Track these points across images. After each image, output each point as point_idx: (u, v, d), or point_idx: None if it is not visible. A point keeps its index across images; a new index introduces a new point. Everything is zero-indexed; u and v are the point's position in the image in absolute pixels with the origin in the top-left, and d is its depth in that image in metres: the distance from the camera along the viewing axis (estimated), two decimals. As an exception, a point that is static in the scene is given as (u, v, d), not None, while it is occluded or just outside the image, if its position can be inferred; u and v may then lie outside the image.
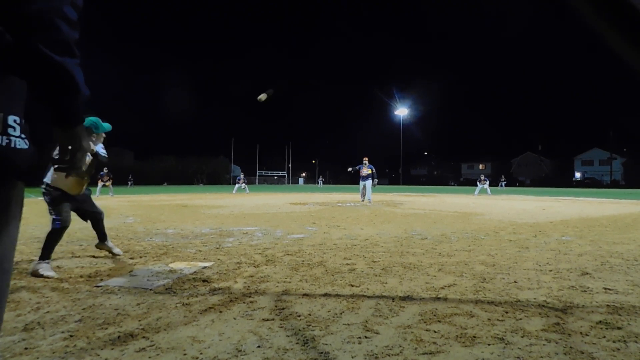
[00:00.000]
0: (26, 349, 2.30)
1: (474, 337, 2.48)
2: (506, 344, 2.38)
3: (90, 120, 4.51)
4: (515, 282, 3.81)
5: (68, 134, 1.10)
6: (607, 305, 3.13)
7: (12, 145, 0.94)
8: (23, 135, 0.99)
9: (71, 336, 2.47)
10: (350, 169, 17.34)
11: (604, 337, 2.50)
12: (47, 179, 4.21)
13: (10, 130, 0.94)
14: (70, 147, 1.13)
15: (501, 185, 50.57)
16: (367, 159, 17.21)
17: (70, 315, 2.85)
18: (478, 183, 29.04)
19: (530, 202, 18.35)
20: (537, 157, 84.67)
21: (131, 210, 11.90)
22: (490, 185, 29.20)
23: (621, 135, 74.78)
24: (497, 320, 2.78)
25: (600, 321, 2.77)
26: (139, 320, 2.74)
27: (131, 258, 4.83)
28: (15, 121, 0.95)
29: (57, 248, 5.46)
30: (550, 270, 4.27)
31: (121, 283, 3.70)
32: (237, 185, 30.19)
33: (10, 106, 0.94)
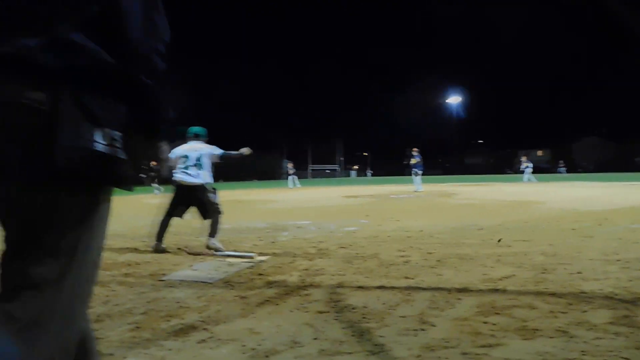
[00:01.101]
0: (97, 338, 2.44)
1: (535, 329, 2.40)
2: (570, 337, 2.29)
3: (199, 129, 5.58)
4: (579, 272, 3.65)
5: (155, 147, 1.30)
6: (682, 296, 2.94)
7: (119, 155, 1.09)
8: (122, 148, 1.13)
9: (137, 327, 2.60)
10: (406, 162, 17.67)
11: (679, 330, 2.35)
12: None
13: (115, 143, 1.09)
14: (154, 158, 1.39)
15: (562, 172, 48.37)
16: (416, 149, 17.56)
17: (135, 307, 3.00)
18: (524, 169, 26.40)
19: (595, 188, 17.41)
20: (601, 141, 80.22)
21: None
22: (550, 172, 26.80)
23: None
24: (560, 312, 2.68)
25: (674, 313, 2.60)
26: (200, 313, 2.84)
27: (190, 253, 5.01)
28: (118, 136, 1.10)
29: (123, 244, 5.76)
30: (618, 260, 4.05)
31: (182, 277, 3.86)
32: (290, 178, 29.06)
33: (114, 123, 1.09)
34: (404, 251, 4.79)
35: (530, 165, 26.48)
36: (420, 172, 18.01)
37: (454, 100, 67.63)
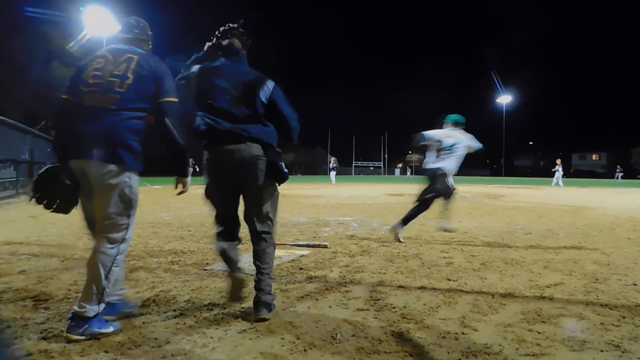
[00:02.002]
0: (144, 323, 2.53)
1: (584, 341, 2.30)
2: (622, 351, 2.18)
3: (457, 117, 5.93)
4: (634, 284, 3.47)
5: (288, 155, 2.82)
6: None
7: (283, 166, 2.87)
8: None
9: (181, 314, 2.68)
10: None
11: None
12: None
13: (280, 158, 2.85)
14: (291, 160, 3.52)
15: (617, 177, 46.12)
16: None
17: (180, 295, 3.09)
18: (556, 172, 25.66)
19: (654, 196, 16.48)
20: (663, 147, 75.80)
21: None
22: (606, 177, 25.82)
23: None
24: (612, 325, 2.56)
25: None
26: (241, 304, 2.89)
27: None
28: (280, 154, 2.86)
29: (169, 232, 5.93)
30: (677, 273, 3.82)
31: (225, 268, 3.92)
32: (332, 173, 28.82)
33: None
34: (447, 252, 4.70)
35: (560, 169, 25.74)
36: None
37: (504, 99, 65.72)
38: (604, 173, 63.97)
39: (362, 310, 2.80)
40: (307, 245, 5.00)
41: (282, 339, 2.31)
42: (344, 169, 79.23)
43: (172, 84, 2.61)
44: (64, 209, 2.52)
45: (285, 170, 2.88)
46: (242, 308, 2.81)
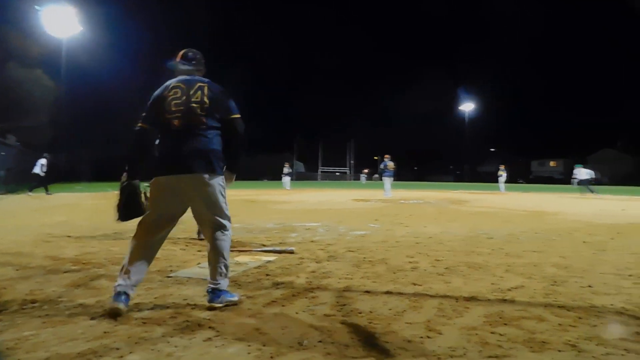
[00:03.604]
0: (105, 332, 2.46)
1: (544, 342, 2.37)
2: (579, 351, 2.26)
3: None
4: (590, 286, 3.60)
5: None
6: (696, 314, 2.88)
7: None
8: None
9: (144, 323, 2.62)
10: (381, 166, 19.58)
11: (691, 349, 2.30)
12: None
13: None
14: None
15: (574, 184, 47.83)
16: (388, 156, 19.10)
17: (143, 303, 3.02)
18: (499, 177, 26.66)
19: (609, 201, 17.18)
20: (616, 153, 79.18)
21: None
22: (564, 182, 26.84)
23: None
24: (570, 326, 2.64)
25: (687, 332, 2.56)
26: (207, 311, 2.85)
27: (199, 251, 5.03)
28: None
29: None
30: (631, 275, 3.99)
31: (190, 274, 3.87)
32: (285, 179, 27.59)
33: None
34: (412, 257, 4.76)
35: (504, 175, 26.76)
36: (388, 178, 19.26)
37: (467, 107, 67.26)
38: (562, 179, 66.25)
39: (329, 315, 2.80)
40: (274, 251, 4.98)
41: (249, 346, 2.29)
42: (310, 175, 79.36)
43: (234, 104, 3.12)
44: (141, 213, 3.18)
45: None
46: (208, 315, 2.77)
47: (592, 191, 22.75)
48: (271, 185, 37.47)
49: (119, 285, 2.83)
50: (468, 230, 7.20)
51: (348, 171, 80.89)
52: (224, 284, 2.99)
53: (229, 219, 3.11)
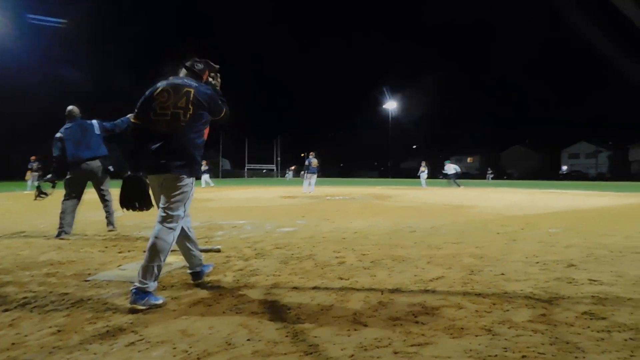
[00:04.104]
0: (13, 344, 2.28)
1: (462, 328, 2.51)
2: (493, 335, 2.41)
3: None
4: (502, 274, 3.86)
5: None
6: (592, 296, 3.18)
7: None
8: None
9: (59, 331, 2.46)
10: (306, 163, 20.10)
11: (589, 327, 2.54)
12: None
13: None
14: None
15: (488, 178, 50.97)
16: (313, 153, 19.95)
17: (57, 310, 2.83)
18: (420, 173, 27.87)
19: (519, 194, 18.49)
20: (525, 150, 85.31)
21: (117, 204, 11.77)
22: (479, 177, 28.56)
23: (607, 129, 75.65)
24: (485, 312, 2.82)
25: (585, 312, 2.81)
26: (128, 315, 2.73)
27: (120, 252, 4.80)
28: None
29: (44, 242, 5.43)
30: (538, 262, 4.32)
31: (110, 277, 3.68)
32: (205, 177, 27.10)
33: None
34: (339, 252, 4.84)
35: (426, 171, 28.08)
36: (312, 174, 19.82)
37: (391, 105, 69.34)
38: (478, 174, 70.27)
39: (257, 313, 2.78)
40: (200, 250, 4.85)
41: (174, 348, 2.22)
42: (237, 172, 78.26)
43: (219, 107, 3.35)
44: (149, 206, 3.25)
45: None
46: (130, 319, 2.65)
47: (457, 185, 25.40)
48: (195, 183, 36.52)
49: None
50: (392, 225, 7.44)
51: (275, 168, 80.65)
52: (152, 285, 2.95)
53: (178, 219, 3.16)
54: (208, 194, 18.36)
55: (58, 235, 5.78)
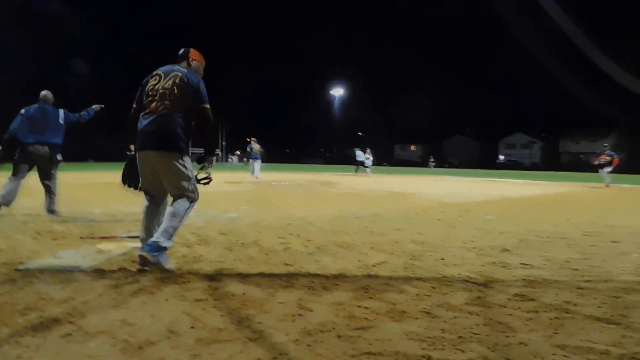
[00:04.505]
0: (-64, 338, 2.14)
1: (403, 312, 2.59)
2: (432, 317, 2.51)
3: None
4: (442, 259, 4.01)
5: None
6: (523, 279, 3.38)
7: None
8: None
9: (-13, 323, 2.32)
10: (248, 149, 20.30)
11: (520, 308, 2.70)
12: None
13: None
14: None
15: (431, 166, 52.53)
16: (254, 138, 19.96)
17: (-14, 300, 2.67)
18: (365, 160, 27.76)
19: (458, 182, 19.23)
20: (465, 140, 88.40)
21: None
22: (422, 165, 29.11)
23: (541, 120, 79.69)
24: (425, 295, 2.92)
25: (517, 294, 2.98)
26: (64, 305, 2.62)
27: (54, 239, 4.57)
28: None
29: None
30: (474, 248, 4.52)
31: (44, 266, 3.50)
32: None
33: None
34: (284, 238, 4.85)
35: (370, 158, 28.18)
36: (254, 160, 19.84)
37: (337, 92, 69.68)
38: (421, 162, 72.25)
39: (201, 300, 2.75)
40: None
41: (114, 338, 2.15)
42: (181, 157, 76.10)
43: (205, 95, 3.54)
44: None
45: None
46: (66, 310, 2.54)
47: (365, 172, 26.81)
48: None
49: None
50: (336, 211, 7.53)
51: (220, 153, 79.27)
52: (165, 242, 3.32)
53: (193, 191, 3.53)
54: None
55: None
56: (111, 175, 20.28)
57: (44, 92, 6.31)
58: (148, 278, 3.21)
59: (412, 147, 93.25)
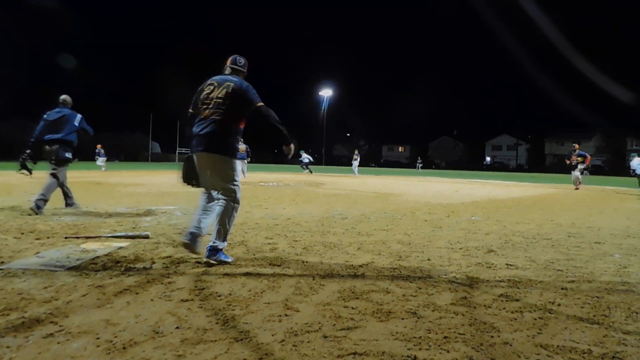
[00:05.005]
0: None
1: (389, 312, 2.60)
2: (418, 317, 2.52)
3: None
4: (428, 259, 4.03)
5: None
6: (508, 279, 3.41)
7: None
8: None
9: (-33, 323, 2.28)
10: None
11: (504, 308, 2.72)
12: None
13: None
14: None
15: (418, 168, 52.84)
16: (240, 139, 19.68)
17: (-34, 300, 2.62)
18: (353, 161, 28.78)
19: (445, 184, 19.35)
20: (452, 141, 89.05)
21: (36, 188, 11.04)
22: (409, 166, 29.63)
23: (526, 123, 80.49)
24: (411, 295, 2.94)
25: (501, 294, 3.01)
26: (46, 305, 2.58)
27: (37, 239, 4.51)
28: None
29: (-50, 228, 4.98)
30: (460, 249, 4.55)
31: (26, 265, 3.45)
32: (99, 160, 27.14)
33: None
34: (271, 239, 4.84)
35: (358, 159, 28.86)
36: (240, 160, 19.35)
37: (326, 93, 69.72)
38: (408, 163, 72.64)
39: (187, 300, 2.73)
40: (126, 237, 4.68)
41: (98, 338, 2.13)
42: (167, 156, 75.71)
43: (255, 96, 3.88)
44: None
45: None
46: (48, 310, 2.50)
47: (310, 172, 27.84)
48: (122, 166, 35.02)
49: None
50: (324, 212, 7.53)
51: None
52: (220, 244, 3.70)
53: (234, 192, 3.82)
54: (136, 178, 17.66)
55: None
56: (96, 174, 20.16)
57: (63, 96, 6.93)
58: (133, 279, 3.18)
59: (400, 148, 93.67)
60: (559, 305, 2.83)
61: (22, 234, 4.74)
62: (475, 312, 2.65)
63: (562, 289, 3.20)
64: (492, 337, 2.28)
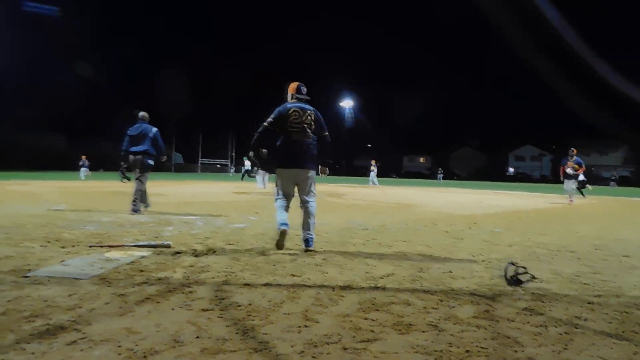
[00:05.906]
0: (-57, 344, 2.14)
1: (410, 324, 2.57)
2: (440, 330, 2.48)
3: None
4: (450, 271, 3.97)
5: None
6: (532, 292, 3.33)
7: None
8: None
9: (-6, 330, 2.33)
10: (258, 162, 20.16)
11: (528, 322, 2.66)
12: None
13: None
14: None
15: (439, 178, 52.34)
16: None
17: (-7, 307, 2.68)
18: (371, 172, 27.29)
19: (467, 194, 19.12)
20: (473, 152, 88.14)
21: (61, 197, 11.30)
22: (430, 177, 28.81)
23: (551, 133, 79.24)
24: (432, 308, 2.89)
25: (525, 308, 2.94)
26: (70, 312, 2.62)
27: (63, 247, 4.60)
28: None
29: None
30: (483, 260, 4.48)
31: (51, 273, 3.52)
32: (83, 169, 28.11)
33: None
34: (291, 249, 4.84)
35: (375, 170, 27.60)
36: (262, 171, 19.60)
37: (347, 104, 69.81)
38: (429, 174, 72.13)
39: (207, 310, 2.74)
40: (148, 246, 4.73)
41: (119, 346, 2.15)
42: (189, 166, 76.70)
43: (325, 125, 5.08)
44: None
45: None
46: (72, 317, 2.54)
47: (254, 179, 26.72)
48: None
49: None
50: (344, 222, 7.51)
51: (229, 163, 79.51)
52: (314, 235, 4.93)
53: (315, 193, 5.08)
54: (159, 187, 17.91)
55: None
56: (115, 185, 20.44)
57: (141, 113, 8.28)
58: (155, 288, 3.21)
59: (421, 159, 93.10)
60: (585, 320, 2.75)
61: (49, 242, 4.85)
62: (498, 325, 2.60)
63: (589, 303, 3.11)
64: (515, 352, 2.22)
